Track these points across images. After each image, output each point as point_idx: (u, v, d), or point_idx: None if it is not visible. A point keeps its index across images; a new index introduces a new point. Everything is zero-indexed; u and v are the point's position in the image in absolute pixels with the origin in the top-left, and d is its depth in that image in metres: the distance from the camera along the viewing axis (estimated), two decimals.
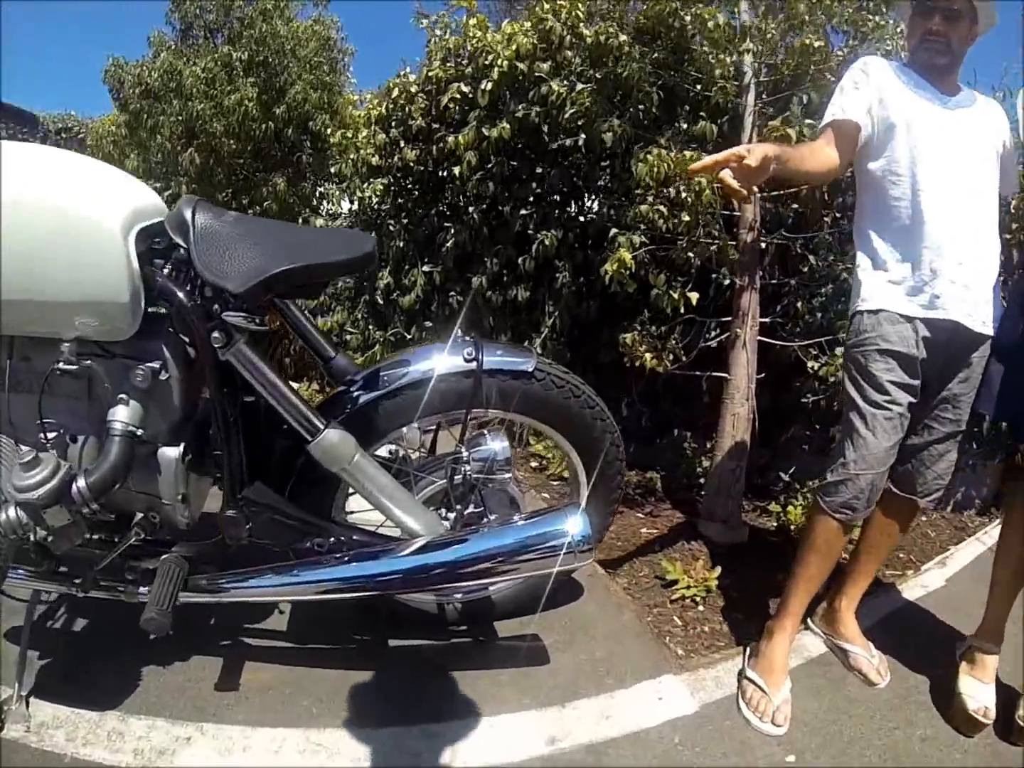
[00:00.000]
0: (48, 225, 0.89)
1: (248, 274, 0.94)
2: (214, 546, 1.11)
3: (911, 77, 1.17)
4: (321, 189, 3.77)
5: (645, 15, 1.88)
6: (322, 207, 3.72)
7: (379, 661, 1.22)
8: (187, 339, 1.01)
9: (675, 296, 1.70)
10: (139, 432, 0.98)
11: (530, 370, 1.12)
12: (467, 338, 1.16)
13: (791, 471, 2.07)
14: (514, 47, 2.03)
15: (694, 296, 1.71)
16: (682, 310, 1.80)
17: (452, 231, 2.26)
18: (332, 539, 1.09)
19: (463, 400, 1.10)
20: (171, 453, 1.02)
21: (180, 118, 3.61)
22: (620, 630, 1.36)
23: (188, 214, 0.96)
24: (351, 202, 2.90)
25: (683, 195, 1.60)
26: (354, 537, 1.10)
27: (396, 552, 1.06)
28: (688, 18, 1.83)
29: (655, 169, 1.65)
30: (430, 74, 2.17)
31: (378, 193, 2.40)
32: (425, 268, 2.36)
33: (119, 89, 3.87)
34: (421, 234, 2.43)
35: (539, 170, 2.03)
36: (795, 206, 1.98)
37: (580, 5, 2.05)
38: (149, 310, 0.98)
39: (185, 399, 1.04)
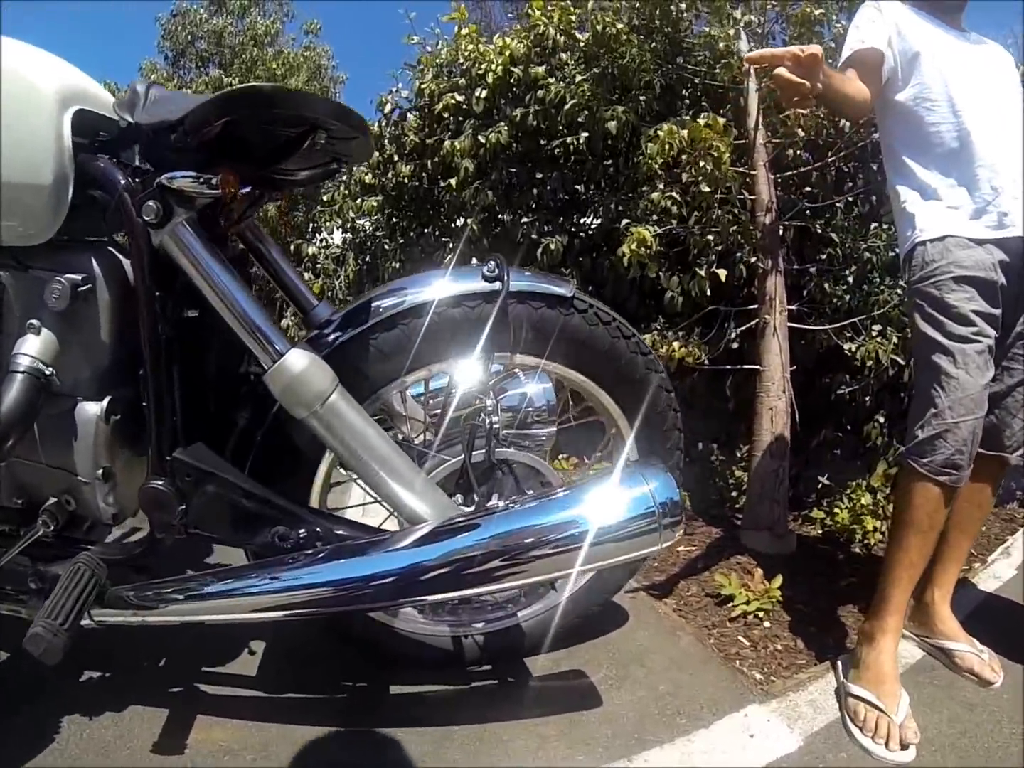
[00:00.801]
0: None
1: (195, 102, 0.72)
2: (145, 544, 0.86)
3: (923, 15, 1.14)
4: (313, 219, 3.66)
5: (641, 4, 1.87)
6: (316, 238, 3.62)
7: (378, 716, 0.96)
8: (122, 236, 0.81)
9: (702, 275, 1.58)
10: (48, 372, 0.77)
11: (569, 295, 0.87)
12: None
13: (824, 478, 1.93)
14: (508, 53, 1.99)
15: (722, 273, 1.59)
16: (700, 302, 1.70)
17: (450, 247, 2.16)
18: (302, 530, 0.80)
19: (482, 336, 0.84)
20: (91, 409, 0.80)
21: None
22: (681, 658, 1.14)
23: (142, 88, 0.80)
24: (344, 231, 2.79)
25: (701, 163, 1.51)
26: (335, 528, 0.81)
27: (395, 543, 0.77)
28: (684, 3, 1.81)
29: (667, 146, 1.57)
30: (423, 87, 2.12)
31: (372, 211, 2.30)
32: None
33: None
34: (417, 253, 2.33)
35: (539, 175, 1.95)
36: (807, 189, 1.94)
37: (572, 10, 2.05)
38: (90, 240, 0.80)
39: (115, 334, 0.81)
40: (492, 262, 0.85)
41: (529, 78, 1.99)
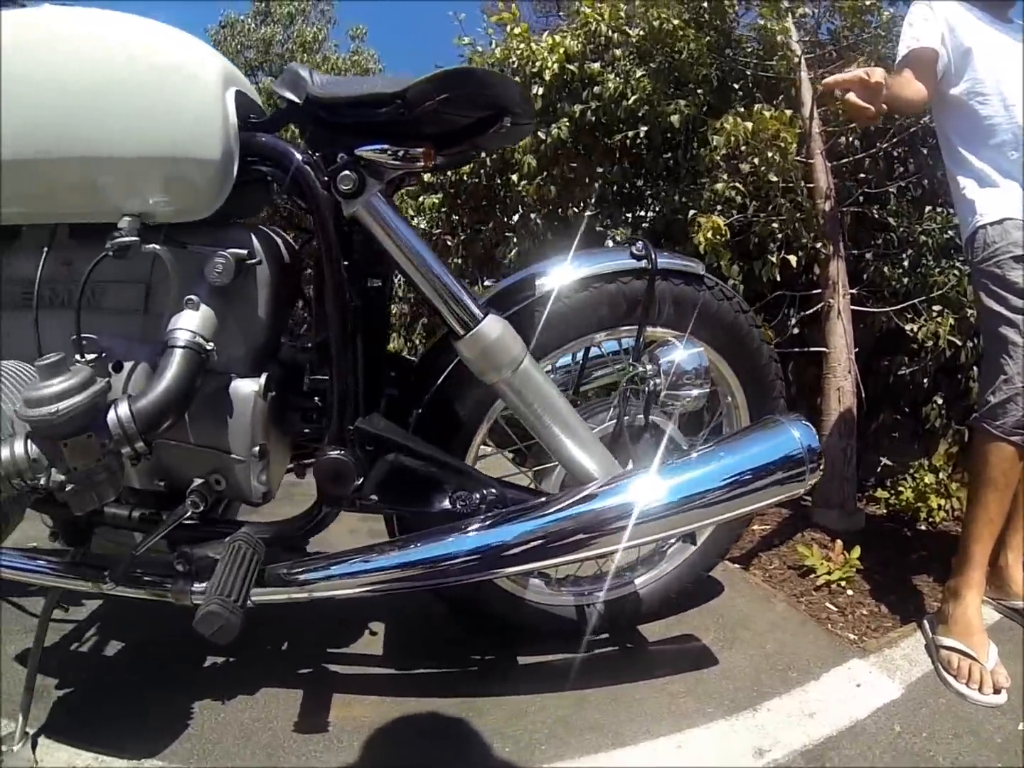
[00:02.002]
0: (128, 60, 0.75)
1: (407, 79, 0.75)
2: (306, 519, 0.89)
3: (974, 10, 1.24)
4: None
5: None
6: None
7: (512, 684, 1.04)
8: (294, 208, 0.87)
9: (773, 262, 1.70)
10: (209, 347, 0.78)
11: (701, 273, 0.98)
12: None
13: (883, 462, 2.04)
14: (562, 51, 2.10)
15: (792, 258, 1.70)
16: (761, 290, 1.81)
17: (514, 241, 2.25)
18: (477, 494, 0.85)
19: (633, 311, 0.93)
20: (248, 386, 0.81)
21: None
22: (779, 621, 1.26)
23: (303, 71, 0.82)
24: None
25: (769, 154, 1.62)
26: (504, 491, 0.87)
27: (574, 499, 0.83)
28: None
29: (732, 138, 1.69)
30: None
31: (432, 208, 2.40)
32: (487, 283, 2.34)
33: None
34: (478, 249, 2.43)
35: (599, 169, 2.06)
36: (861, 175, 2.04)
37: (621, 6, 2.16)
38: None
39: (272, 310, 0.85)
40: (640, 243, 0.95)
41: (585, 75, 2.10)
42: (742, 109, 1.98)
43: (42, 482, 0.70)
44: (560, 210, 2.09)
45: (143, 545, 0.85)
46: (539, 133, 2.11)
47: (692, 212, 1.78)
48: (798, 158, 1.79)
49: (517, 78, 2.28)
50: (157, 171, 0.77)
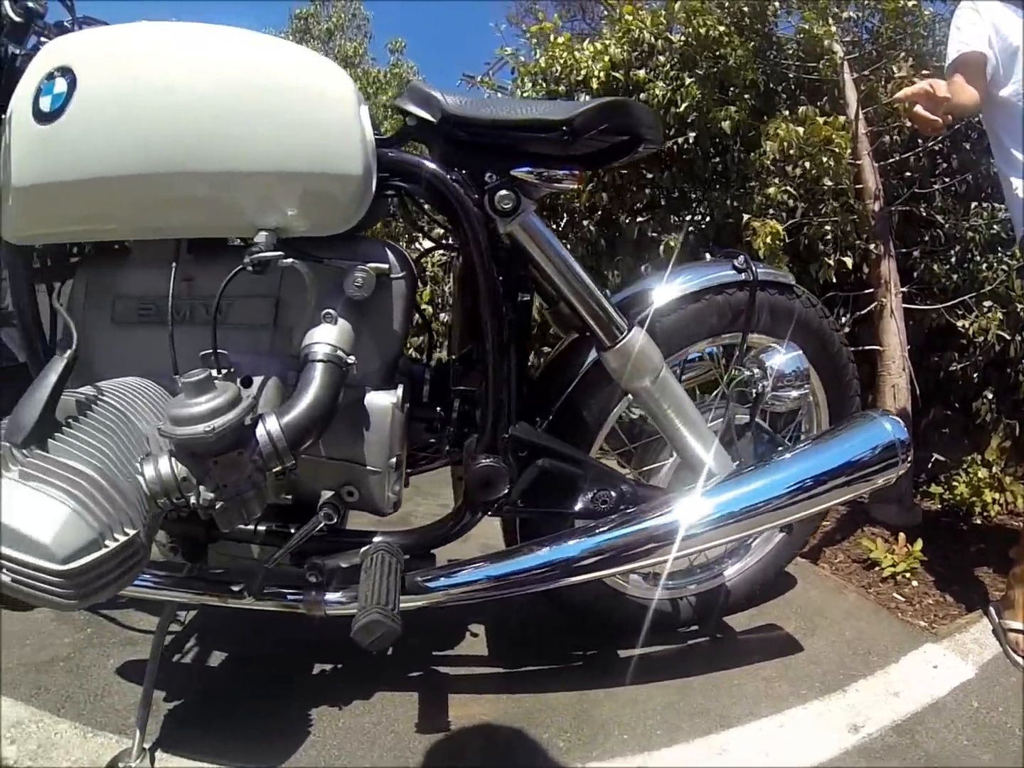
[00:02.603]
0: (267, 77, 0.78)
1: (566, 107, 0.82)
2: (439, 529, 0.96)
3: (1019, 11, 1.30)
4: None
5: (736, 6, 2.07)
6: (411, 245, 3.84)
7: (616, 677, 1.12)
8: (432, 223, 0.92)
9: (829, 263, 1.80)
10: (350, 360, 0.81)
11: (792, 283, 1.08)
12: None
13: (934, 457, 2.13)
14: (607, 59, 2.20)
15: (848, 260, 1.80)
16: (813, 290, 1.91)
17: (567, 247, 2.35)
18: (613, 492, 0.94)
19: (736, 319, 1.03)
20: (386, 399, 0.85)
21: None
22: (853, 610, 1.37)
23: (433, 90, 0.86)
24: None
25: (824, 159, 1.72)
26: (634, 489, 0.96)
27: (703, 492, 0.94)
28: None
29: (784, 144, 1.79)
30: (524, 96, 2.33)
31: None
32: None
33: None
34: None
35: (650, 175, 2.15)
36: (906, 173, 2.13)
37: (660, 13, 2.25)
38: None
39: (404, 325, 0.89)
40: (741, 256, 1.05)
41: (631, 81, 2.19)
42: (787, 113, 2.08)
43: (192, 500, 0.72)
44: (613, 216, 2.19)
45: (275, 558, 0.89)
46: None
47: (746, 217, 1.87)
48: (848, 160, 1.89)
49: (562, 87, 2.39)
50: (298, 186, 0.80)
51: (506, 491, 0.92)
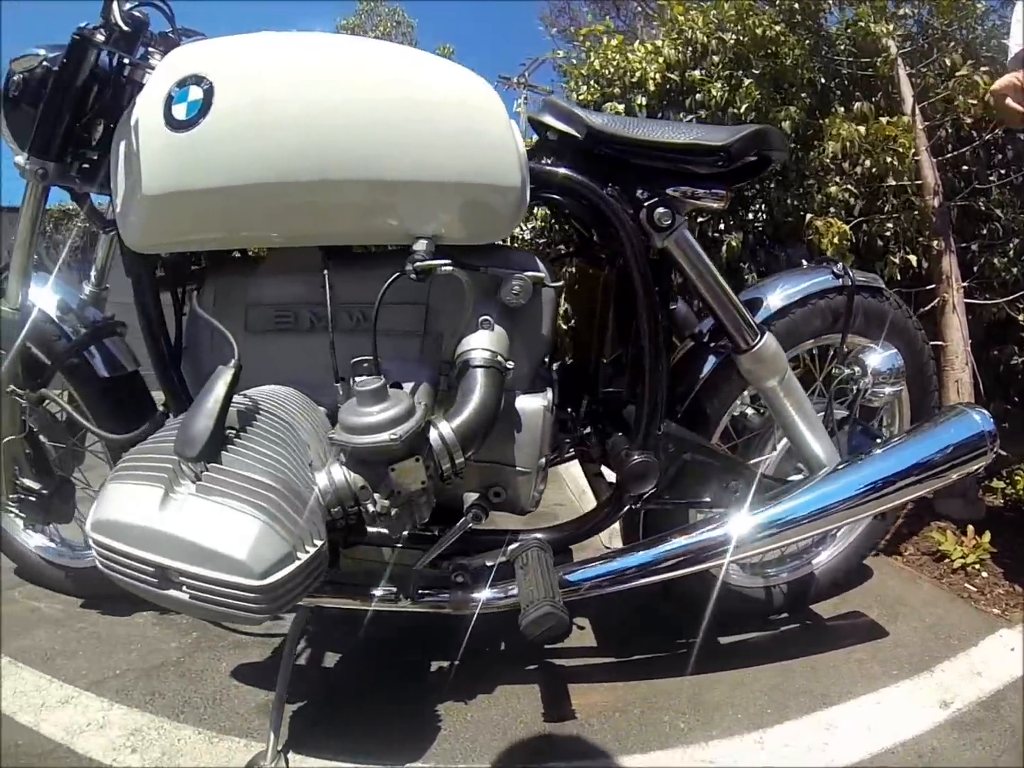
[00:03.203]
0: (426, 91, 0.84)
1: (726, 132, 0.93)
2: (586, 524, 1.05)
3: None
4: None
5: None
6: None
7: (722, 660, 1.23)
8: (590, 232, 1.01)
9: (895, 262, 1.89)
10: (509, 365, 0.87)
11: (882, 287, 1.21)
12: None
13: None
14: (661, 59, 2.29)
15: (913, 258, 1.90)
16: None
17: None
18: (743, 481, 1.06)
19: (838, 321, 1.16)
20: (538, 402, 0.92)
21: None
22: (930, 599, 1.48)
23: (575, 107, 0.96)
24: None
25: (888, 159, 1.81)
26: (758, 478, 1.08)
27: (816, 484, 1.06)
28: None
29: (847, 144, 1.88)
30: (580, 99, 2.43)
31: (541, 219, 2.61)
32: None
33: None
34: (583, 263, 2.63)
35: None
36: (963, 167, 2.21)
37: (713, 11, 2.33)
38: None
39: (551, 330, 0.96)
40: (839, 263, 1.17)
41: (687, 83, 2.28)
42: (842, 109, 2.16)
43: (370, 508, 0.77)
44: None
45: (423, 560, 0.95)
46: None
47: (808, 216, 1.96)
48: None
49: (616, 88, 2.47)
50: (459, 197, 0.85)
51: (655, 484, 1.00)
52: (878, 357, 1.17)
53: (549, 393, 0.94)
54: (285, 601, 0.71)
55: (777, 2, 2.18)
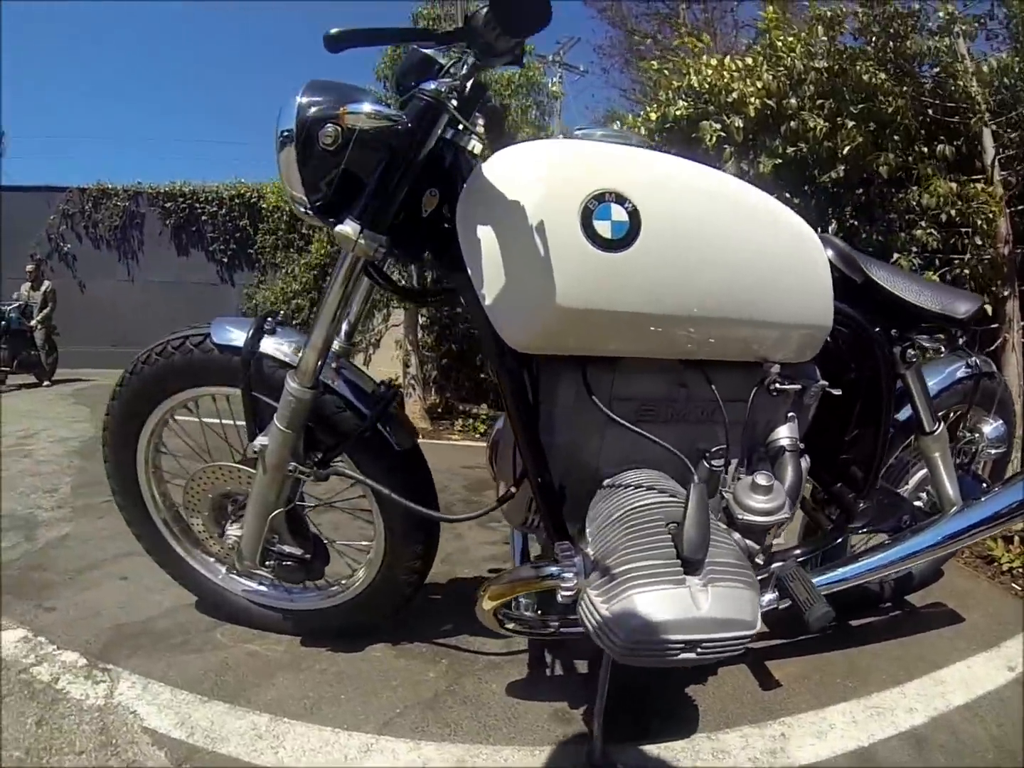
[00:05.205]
0: (793, 244, 1.12)
1: (964, 304, 1.37)
2: (817, 545, 1.53)
3: None
4: None
5: (902, 52, 2.56)
6: None
7: (858, 638, 1.71)
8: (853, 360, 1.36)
9: None
10: (801, 446, 1.25)
11: (994, 370, 1.69)
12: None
13: None
14: (759, 84, 2.67)
15: (988, 308, 2.38)
16: None
17: None
18: (911, 514, 1.59)
19: (967, 397, 1.65)
20: (803, 466, 1.30)
21: None
22: (989, 593, 2.00)
23: (847, 248, 1.32)
24: None
25: (978, 222, 2.27)
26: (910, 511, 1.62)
27: (956, 516, 1.52)
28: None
29: (941, 199, 2.33)
30: (677, 113, 2.78)
31: None
32: None
33: None
34: None
35: (796, 201, 2.66)
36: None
37: (809, 37, 2.72)
38: None
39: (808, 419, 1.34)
40: (974, 358, 1.66)
41: (785, 111, 2.68)
42: (925, 149, 2.61)
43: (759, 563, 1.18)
44: None
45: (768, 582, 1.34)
46: (743, 165, 2.70)
47: (896, 256, 2.42)
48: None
49: (711, 106, 2.84)
50: (797, 332, 1.17)
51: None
52: (991, 427, 1.70)
53: (807, 459, 1.33)
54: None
55: (880, 53, 2.58)
